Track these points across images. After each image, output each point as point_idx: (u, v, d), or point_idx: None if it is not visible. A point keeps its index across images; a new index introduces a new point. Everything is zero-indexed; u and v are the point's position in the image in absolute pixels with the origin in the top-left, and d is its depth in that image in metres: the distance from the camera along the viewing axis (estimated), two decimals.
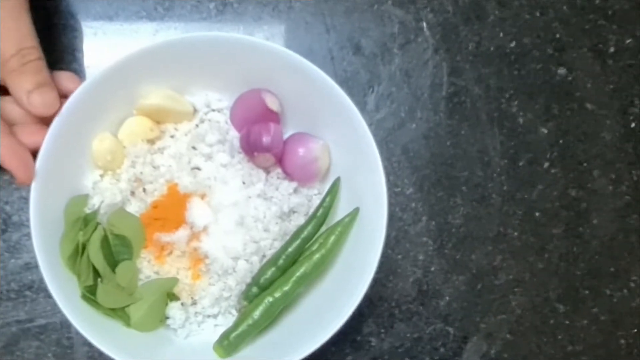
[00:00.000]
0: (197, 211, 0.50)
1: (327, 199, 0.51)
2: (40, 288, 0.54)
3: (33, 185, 0.46)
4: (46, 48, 0.47)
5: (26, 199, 0.55)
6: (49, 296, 0.53)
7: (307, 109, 0.51)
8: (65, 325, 0.54)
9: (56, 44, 0.57)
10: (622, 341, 0.58)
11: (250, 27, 0.58)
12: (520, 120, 0.59)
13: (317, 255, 0.49)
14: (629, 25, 0.61)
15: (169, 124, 0.52)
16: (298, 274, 0.48)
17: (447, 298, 0.57)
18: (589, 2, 0.61)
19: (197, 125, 0.52)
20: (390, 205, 0.47)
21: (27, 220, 0.54)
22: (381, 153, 0.47)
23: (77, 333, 0.53)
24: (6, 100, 0.47)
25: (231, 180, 0.51)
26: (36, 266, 0.53)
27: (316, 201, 0.52)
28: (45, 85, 0.46)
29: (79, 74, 0.55)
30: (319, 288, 0.50)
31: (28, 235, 0.54)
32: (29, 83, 0.45)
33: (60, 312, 0.52)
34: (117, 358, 0.45)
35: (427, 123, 0.58)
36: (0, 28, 0.44)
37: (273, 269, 0.49)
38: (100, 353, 0.52)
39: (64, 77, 0.48)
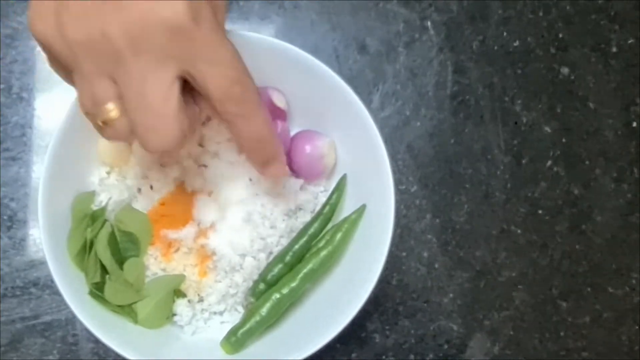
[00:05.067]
0: (204, 208, 0.50)
1: (334, 196, 0.51)
2: (45, 285, 0.54)
3: (41, 182, 0.45)
4: None
5: (31, 196, 0.55)
6: (54, 293, 0.54)
7: (313, 106, 0.51)
8: (71, 322, 0.54)
9: None
10: (624, 338, 0.58)
11: (256, 26, 0.58)
12: (524, 118, 0.60)
13: (324, 252, 0.49)
14: (630, 25, 0.61)
15: None
16: (305, 270, 0.49)
17: (451, 295, 0.57)
18: (592, 2, 0.61)
19: (204, 123, 0.52)
20: (395, 202, 0.48)
21: (33, 217, 0.55)
22: (386, 151, 0.48)
23: (83, 330, 0.54)
24: None
25: (238, 177, 0.51)
26: (41, 263, 0.54)
27: (323, 198, 0.53)
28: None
29: None
30: (326, 285, 0.51)
31: (33, 232, 0.54)
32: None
33: (65, 309, 0.53)
34: (124, 354, 0.45)
35: (432, 121, 0.59)
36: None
37: (280, 265, 0.49)
38: (106, 350, 0.53)
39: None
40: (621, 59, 0.61)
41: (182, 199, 0.50)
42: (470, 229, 0.58)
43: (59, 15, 0.34)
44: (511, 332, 0.58)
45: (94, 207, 0.49)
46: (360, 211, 0.50)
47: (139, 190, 0.51)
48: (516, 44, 0.60)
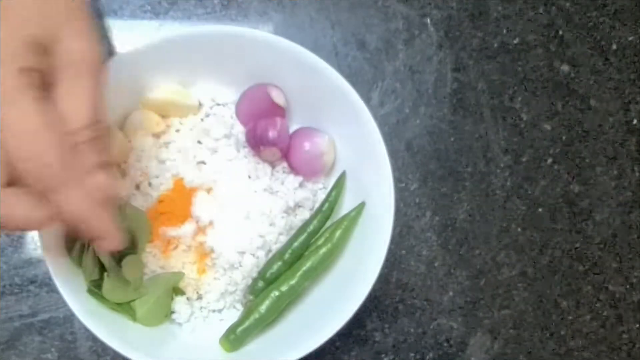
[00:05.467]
0: (202, 205, 0.50)
1: (333, 194, 0.51)
2: (43, 282, 0.54)
3: None
4: None
5: None
6: (52, 290, 0.53)
7: (313, 103, 0.51)
8: (69, 319, 0.54)
9: None
10: (625, 336, 0.58)
11: (254, 23, 0.58)
12: (524, 116, 0.59)
13: (323, 250, 0.49)
14: (631, 22, 0.61)
15: (175, 118, 0.52)
16: (304, 268, 0.48)
17: (451, 293, 0.57)
18: (592, 0, 0.61)
19: (202, 120, 0.52)
20: (394, 200, 0.47)
21: None
22: (385, 148, 0.48)
23: (81, 328, 0.53)
24: None
25: (237, 174, 0.50)
26: (39, 260, 0.54)
27: (322, 195, 0.52)
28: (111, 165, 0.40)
29: None
30: (325, 282, 0.50)
31: None
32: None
33: (63, 306, 0.52)
34: (122, 352, 0.44)
35: (431, 119, 0.58)
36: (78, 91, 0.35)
37: (279, 263, 0.49)
38: (104, 348, 0.52)
39: None
40: (621, 56, 0.61)
41: (181, 196, 0.50)
42: (470, 227, 0.58)
43: None
44: (511, 331, 0.57)
45: None
46: (360, 209, 0.50)
47: (137, 187, 0.51)
48: (516, 41, 0.60)
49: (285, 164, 0.52)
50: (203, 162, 0.51)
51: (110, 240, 0.38)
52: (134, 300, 0.48)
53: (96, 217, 0.36)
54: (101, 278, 0.47)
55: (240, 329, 0.48)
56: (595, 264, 0.59)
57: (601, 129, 0.60)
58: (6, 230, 0.35)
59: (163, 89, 0.50)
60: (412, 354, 0.56)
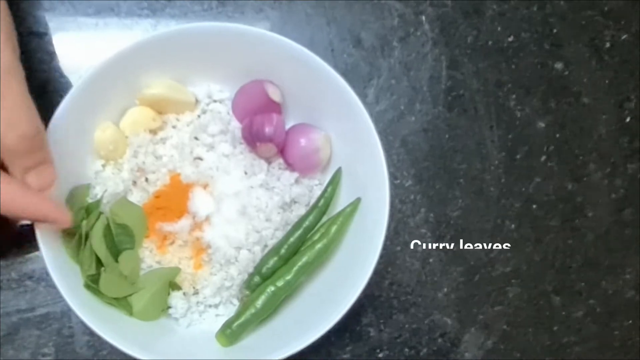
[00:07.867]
0: (199, 201, 0.50)
1: (329, 189, 0.51)
2: (40, 277, 0.54)
3: None
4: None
5: None
6: (50, 285, 0.54)
7: (308, 99, 0.51)
8: (66, 314, 0.54)
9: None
10: (617, 332, 0.59)
11: (251, 20, 0.58)
12: (518, 113, 0.60)
13: (319, 245, 0.49)
14: (624, 21, 0.62)
15: (171, 115, 0.52)
16: (300, 263, 0.49)
17: (445, 289, 0.58)
18: None
19: (199, 116, 0.53)
20: (390, 196, 0.48)
21: None
22: (381, 145, 0.48)
23: (78, 322, 0.54)
24: None
25: (233, 170, 0.51)
26: (36, 255, 0.54)
27: (317, 191, 0.53)
28: (44, 163, 0.43)
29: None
30: (321, 277, 0.51)
31: (28, 224, 0.54)
32: (27, 161, 0.42)
33: (60, 301, 0.53)
34: (119, 347, 0.45)
35: (426, 116, 0.59)
36: None
37: (275, 258, 0.50)
38: (101, 342, 0.53)
39: None
40: (615, 54, 0.61)
41: (177, 192, 0.50)
42: (464, 224, 0.58)
43: None
44: (505, 327, 0.58)
45: (89, 200, 0.49)
46: (355, 205, 0.50)
47: (134, 182, 0.51)
48: (510, 39, 0.60)
49: (281, 160, 0.53)
50: (200, 158, 0.51)
51: (58, 222, 0.44)
52: (130, 295, 0.48)
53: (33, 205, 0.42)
54: (98, 273, 0.47)
55: (236, 323, 0.48)
56: (588, 261, 0.59)
57: (594, 126, 0.60)
58: None
59: (159, 86, 0.51)
60: (406, 350, 0.57)
